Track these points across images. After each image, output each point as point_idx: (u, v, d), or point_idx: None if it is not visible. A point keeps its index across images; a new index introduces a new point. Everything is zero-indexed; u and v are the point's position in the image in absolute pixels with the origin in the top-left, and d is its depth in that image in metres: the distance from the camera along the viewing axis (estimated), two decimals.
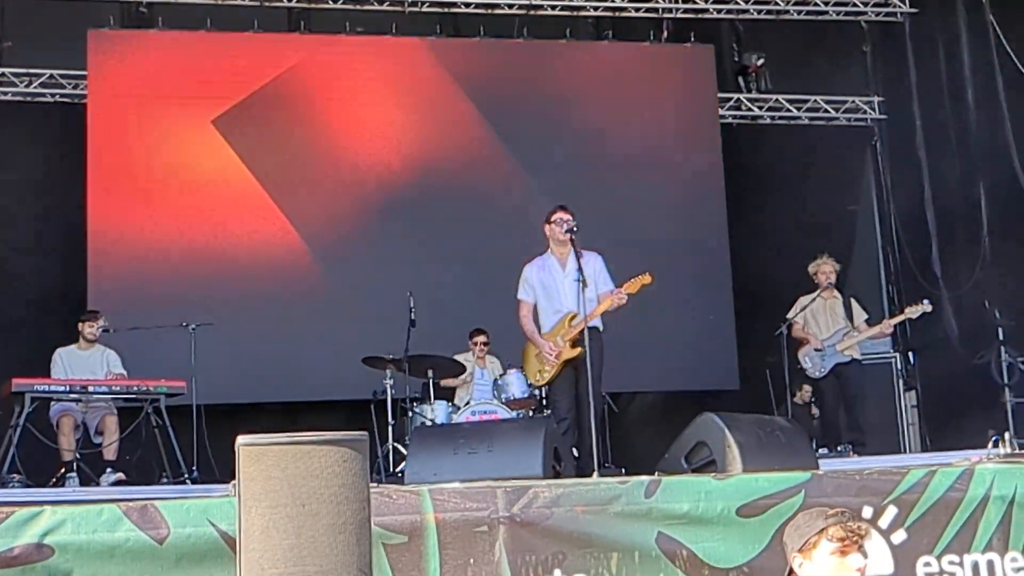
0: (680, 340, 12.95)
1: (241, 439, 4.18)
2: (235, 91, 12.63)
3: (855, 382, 10.94)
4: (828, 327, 10.96)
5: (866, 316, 11.12)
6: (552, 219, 8.81)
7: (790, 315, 11.01)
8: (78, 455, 9.95)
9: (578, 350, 8.54)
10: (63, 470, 9.82)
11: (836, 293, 11.12)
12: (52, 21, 12.26)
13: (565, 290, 8.71)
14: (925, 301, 10.82)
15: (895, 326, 11.35)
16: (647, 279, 8.82)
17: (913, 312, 10.80)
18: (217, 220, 12.43)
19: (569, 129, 13.31)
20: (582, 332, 8.28)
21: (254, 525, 4.10)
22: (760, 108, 14.22)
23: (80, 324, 10.50)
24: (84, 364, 10.37)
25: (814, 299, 10.99)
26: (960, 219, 12.88)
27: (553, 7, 13.51)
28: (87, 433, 10.24)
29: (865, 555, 3.96)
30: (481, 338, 11.30)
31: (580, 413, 8.46)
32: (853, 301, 11.16)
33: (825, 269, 11.04)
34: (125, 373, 10.53)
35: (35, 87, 12.53)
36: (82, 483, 9.70)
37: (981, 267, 12.40)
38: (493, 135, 13.19)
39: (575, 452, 8.23)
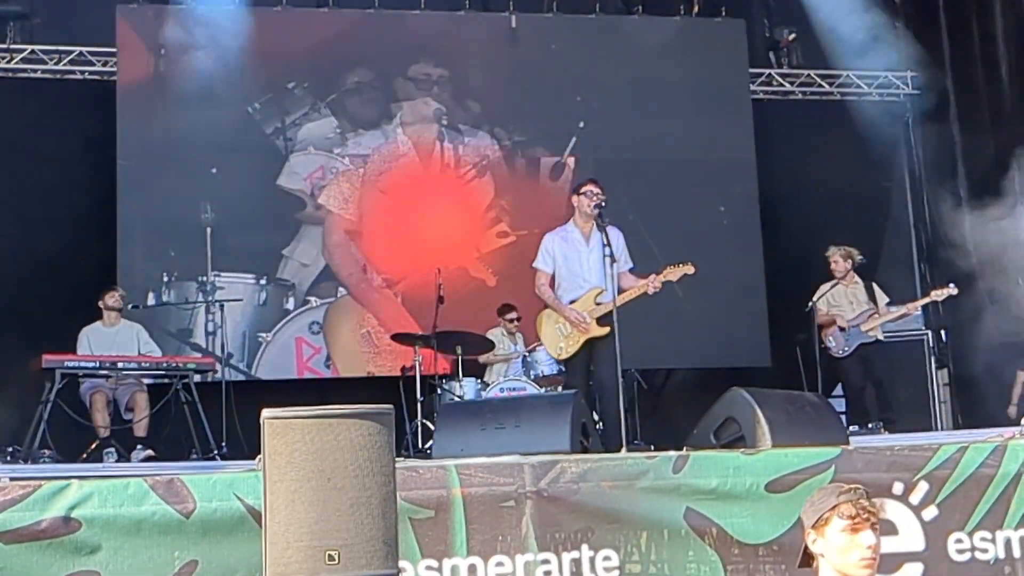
0: (711, 317, 12.89)
1: (266, 412, 4.18)
2: (264, 70, 12.63)
3: (881, 362, 10.94)
4: (853, 310, 10.97)
5: (887, 300, 11.12)
6: (582, 191, 8.74)
7: (812, 302, 11.02)
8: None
9: (605, 329, 8.47)
10: (98, 445, 9.87)
11: (856, 278, 11.12)
12: None
13: (589, 264, 8.64)
14: (951, 284, 10.80)
15: (925, 304, 11.32)
16: (690, 269, 8.72)
17: (939, 295, 10.83)
18: (249, 203, 12.42)
19: (598, 104, 13.25)
20: (610, 311, 8.24)
21: (279, 499, 4.10)
22: (792, 83, 14.11)
23: (100, 301, 10.54)
24: (111, 341, 10.40)
25: (833, 286, 10.98)
26: (994, 195, 12.75)
27: None
28: (117, 410, 10.28)
29: (878, 533, 3.91)
30: (512, 314, 11.27)
31: (601, 390, 8.41)
32: (874, 285, 11.17)
33: (833, 259, 11.04)
34: (157, 348, 10.59)
35: (65, 64, 12.53)
36: (118, 459, 9.76)
37: (1015, 244, 12.27)
38: (521, 108, 13.14)
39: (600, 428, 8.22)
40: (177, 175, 12.23)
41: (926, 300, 11.08)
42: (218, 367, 10.99)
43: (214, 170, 12.37)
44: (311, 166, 12.66)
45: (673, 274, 8.70)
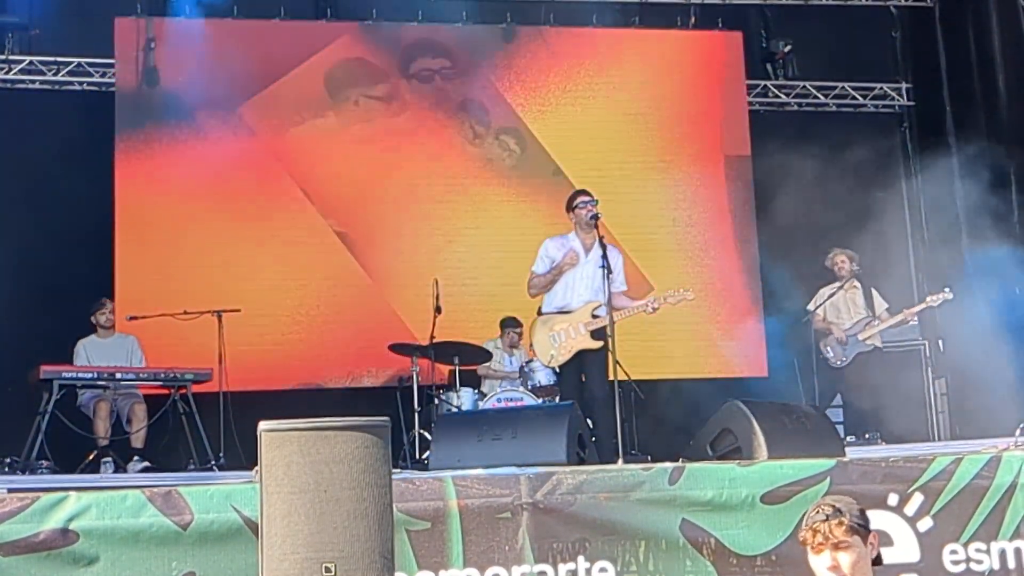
0: (708, 327, 12.91)
1: (263, 425, 4.19)
2: (262, 78, 12.66)
3: (878, 371, 10.95)
4: (850, 317, 11.00)
5: (886, 305, 11.17)
6: (575, 204, 8.81)
7: (811, 306, 11.08)
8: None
9: (598, 343, 8.54)
10: (96, 455, 9.88)
11: (856, 284, 11.16)
12: (80, 9, 12.27)
13: (583, 275, 8.71)
14: (946, 289, 10.83)
15: (922, 314, 11.34)
16: (689, 295, 8.87)
17: (934, 301, 10.83)
18: (243, 206, 12.45)
19: (596, 116, 13.27)
20: (604, 325, 8.29)
21: (276, 511, 4.12)
22: (788, 95, 14.13)
23: (92, 317, 10.58)
24: (108, 352, 10.43)
25: (835, 292, 11.02)
26: (990, 205, 12.76)
27: None
28: (119, 421, 10.31)
29: (843, 553, 3.95)
30: (518, 329, 11.28)
31: (592, 401, 8.45)
32: (873, 291, 11.20)
33: (838, 260, 11.10)
34: (145, 362, 10.63)
35: (63, 75, 12.56)
36: (115, 469, 9.77)
37: (1012, 253, 12.29)
38: (520, 121, 13.16)
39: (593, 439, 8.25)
40: (173, 177, 12.25)
41: (922, 306, 11.09)
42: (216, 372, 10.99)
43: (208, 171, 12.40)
44: (311, 168, 12.67)
45: (672, 298, 8.80)
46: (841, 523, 3.96)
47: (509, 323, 11.37)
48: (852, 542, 3.96)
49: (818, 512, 4.01)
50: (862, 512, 4.07)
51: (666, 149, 13.36)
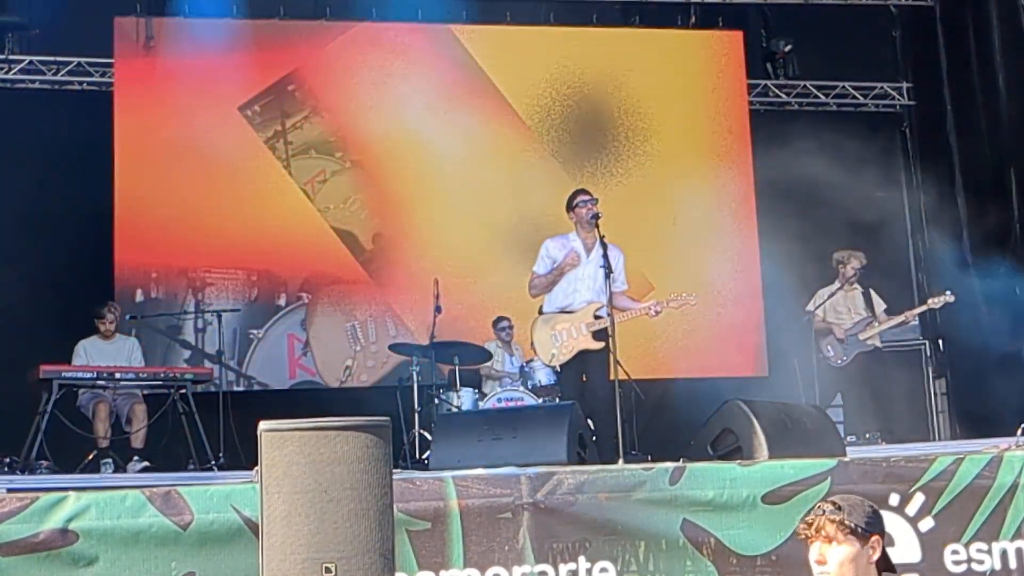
0: (709, 328, 12.90)
1: (263, 425, 4.18)
2: (261, 78, 12.65)
3: (879, 372, 10.96)
4: (850, 318, 11.02)
5: (884, 306, 11.18)
6: (575, 203, 8.79)
7: (810, 307, 11.08)
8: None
9: (600, 344, 8.54)
10: (95, 456, 9.88)
11: (856, 284, 11.16)
12: (80, 9, 12.24)
13: (584, 275, 8.70)
14: (947, 292, 10.84)
15: (923, 313, 11.35)
16: (692, 300, 8.86)
17: (936, 303, 10.84)
18: (244, 207, 12.44)
19: (596, 116, 13.27)
20: (606, 327, 8.28)
21: (276, 511, 4.11)
22: (788, 94, 14.12)
23: (96, 322, 10.56)
24: (108, 354, 10.41)
25: (834, 293, 11.03)
26: (991, 205, 12.77)
27: None
28: (119, 421, 10.30)
29: (831, 546, 3.94)
30: (504, 323, 11.30)
31: (593, 401, 8.44)
32: (872, 292, 11.22)
33: (854, 264, 11.09)
34: (143, 363, 10.62)
35: (63, 75, 12.55)
36: (115, 469, 9.77)
37: (1012, 253, 12.30)
38: (520, 121, 13.16)
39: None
40: (172, 178, 12.25)
41: (923, 308, 11.11)
42: (215, 372, 10.98)
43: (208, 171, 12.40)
44: (312, 169, 12.67)
45: (675, 302, 8.80)
46: (833, 519, 3.95)
47: (497, 322, 11.39)
48: (842, 540, 3.94)
49: (818, 507, 4.00)
50: (872, 513, 4.02)
51: (666, 148, 13.36)
